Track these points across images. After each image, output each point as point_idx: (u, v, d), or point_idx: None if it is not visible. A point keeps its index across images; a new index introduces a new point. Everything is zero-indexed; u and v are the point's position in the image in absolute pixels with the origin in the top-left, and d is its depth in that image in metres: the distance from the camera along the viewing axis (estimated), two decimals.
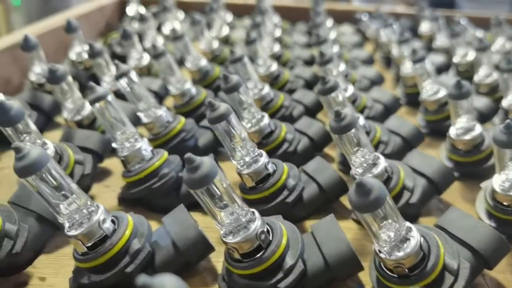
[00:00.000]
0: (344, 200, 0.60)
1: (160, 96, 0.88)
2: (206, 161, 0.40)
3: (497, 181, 0.53)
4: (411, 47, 0.97)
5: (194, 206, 0.57)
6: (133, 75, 0.66)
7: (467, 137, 0.65)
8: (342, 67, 0.89)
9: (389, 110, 0.81)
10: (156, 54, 0.76)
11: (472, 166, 0.66)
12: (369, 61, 1.05)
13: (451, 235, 0.46)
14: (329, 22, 1.25)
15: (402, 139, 0.69)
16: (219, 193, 0.42)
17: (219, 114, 0.51)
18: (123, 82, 0.66)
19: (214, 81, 0.92)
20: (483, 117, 0.80)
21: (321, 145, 0.71)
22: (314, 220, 0.58)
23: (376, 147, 0.66)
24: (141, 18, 1.00)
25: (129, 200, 0.60)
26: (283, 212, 0.55)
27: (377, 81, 0.93)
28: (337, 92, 0.62)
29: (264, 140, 0.67)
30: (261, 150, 0.56)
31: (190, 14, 1.25)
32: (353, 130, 0.50)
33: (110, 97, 0.56)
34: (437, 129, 0.78)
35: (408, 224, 0.42)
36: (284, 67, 1.01)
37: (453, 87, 0.61)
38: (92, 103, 0.55)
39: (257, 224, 0.43)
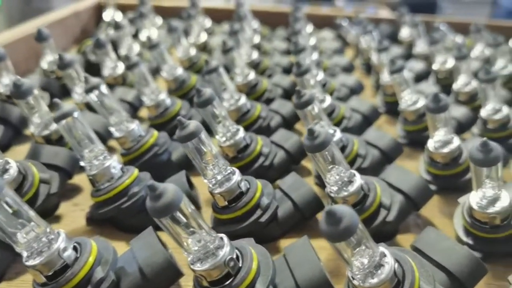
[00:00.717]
0: (320, 217, 0.59)
1: (134, 107, 0.86)
2: (170, 189, 0.38)
3: (474, 198, 0.52)
4: (390, 55, 0.97)
5: None
6: (104, 88, 0.64)
7: (445, 150, 0.64)
8: (321, 75, 0.87)
9: (368, 120, 0.80)
10: (130, 65, 0.74)
11: (450, 179, 0.65)
12: (349, 68, 1.04)
13: (427, 257, 0.45)
14: (309, 28, 1.23)
15: (380, 152, 0.68)
16: (184, 220, 0.40)
17: (189, 132, 0.49)
18: (93, 96, 0.63)
19: (190, 90, 0.90)
20: (462, 127, 0.80)
21: (298, 158, 0.70)
22: (289, 238, 0.57)
23: (353, 161, 0.64)
24: (116, 26, 0.98)
25: (98, 220, 0.57)
26: (256, 232, 0.54)
27: (356, 90, 0.92)
28: (313, 105, 0.60)
29: (239, 154, 0.65)
30: (233, 168, 0.54)
31: (167, 21, 1.23)
32: (327, 148, 0.49)
33: (77, 114, 0.54)
34: (416, 139, 0.77)
35: (382, 249, 0.40)
36: (262, 75, 1.00)
37: (431, 100, 0.59)
38: (57, 120, 0.53)
39: (226, 250, 0.42)
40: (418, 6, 4.67)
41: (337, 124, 0.75)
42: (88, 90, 0.63)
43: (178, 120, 0.50)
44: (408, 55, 1.15)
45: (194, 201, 0.58)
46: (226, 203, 0.54)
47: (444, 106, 0.59)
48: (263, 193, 0.55)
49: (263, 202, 0.54)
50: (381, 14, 2.32)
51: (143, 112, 0.86)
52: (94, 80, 0.63)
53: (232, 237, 0.51)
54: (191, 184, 0.63)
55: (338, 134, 0.64)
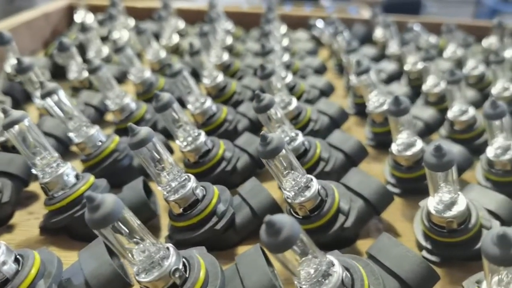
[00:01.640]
0: None
1: (100, 111, 0.84)
2: (109, 200, 0.36)
3: (431, 203, 0.52)
4: (363, 56, 0.96)
5: None
6: (61, 94, 0.62)
7: (408, 153, 0.63)
8: (289, 77, 0.86)
9: (335, 122, 0.79)
10: (91, 69, 0.73)
11: (413, 182, 0.64)
12: (321, 70, 1.03)
13: (380, 264, 0.45)
14: (283, 29, 1.23)
15: (344, 155, 0.67)
16: (126, 231, 0.39)
17: (139, 139, 0.48)
18: (49, 101, 0.62)
19: None
20: (429, 128, 0.80)
21: (263, 162, 0.69)
22: (249, 245, 0.56)
23: (316, 164, 0.63)
24: (83, 28, 0.96)
25: (52, 229, 0.56)
26: (213, 239, 0.53)
27: (326, 91, 0.91)
28: (274, 109, 0.59)
29: (201, 159, 0.64)
30: (189, 174, 0.53)
31: (138, 22, 1.22)
32: (280, 154, 0.48)
33: (27, 121, 0.53)
34: (384, 141, 0.77)
35: (330, 258, 0.40)
36: (233, 77, 0.99)
37: (391, 103, 0.59)
38: (6, 128, 0.52)
39: (172, 260, 0.41)
40: (402, 5, 4.71)
41: (304, 127, 0.74)
42: (44, 96, 0.61)
43: (129, 127, 0.49)
44: (382, 56, 1.15)
45: (150, 208, 0.57)
46: (181, 210, 0.53)
47: (404, 109, 0.59)
48: (219, 199, 0.54)
49: (219, 209, 0.53)
50: (363, 14, 2.33)
51: (110, 116, 0.85)
52: (50, 85, 0.61)
53: (189, 244, 0.51)
54: (149, 191, 0.62)
55: (300, 138, 0.63)
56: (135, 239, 0.40)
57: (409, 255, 0.44)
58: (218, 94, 0.88)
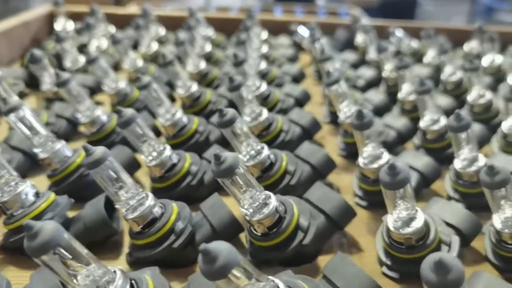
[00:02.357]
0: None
1: (73, 123, 0.84)
2: (48, 227, 0.36)
3: (390, 220, 0.51)
4: (343, 62, 0.96)
5: None
6: (25, 109, 0.62)
7: (374, 165, 0.63)
8: (264, 87, 0.86)
9: (308, 132, 0.79)
10: (59, 83, 0.72)
11: (380, 195, 0.63)
12: (300, 77, 1.02)
13: (333, 285, 0.44)
14: (264, 35, 1.22)
15: (312, 167, 0.66)
16: (69, 257, 0.38)
17: (94, 159, 0.48)
18: (12, 118, 0.62)
19: (132, 104, 0.88)
20: (402, 138, 0.79)
21: None
22: None
23: (281, 178, 0.63)
24: (57, 38, 0.96)
25: (11, 249, 0.56)
26: (172, 256, 0.53)
27: (302, 100, 0.91)
28: (237, 124, 0.59)
29: (166, 173, 0.64)
30: (147, 192, 0.53)
31: (119, 30, 1.22)
32: (236, 172, 0.48)
33: None
34: (355, 152, 0.75)
35: (275, 281, 0.39)
36: (210, 86, 0.98)
37: (354, 117, 0.59)
38: None
39: (117, 284, 0.40)
40: (398, 4, 4.69)
41: (274, 138, 0.74)
42: (7, 112, 0.61)
43: (83, 147, 0.49)
44: (362, 61, 1.15)
45: (110, 226, 0.56)
46: (140, 228, 0.52)
47: (367, 123, 0.58)
48: (178, 217, 0.54)
49: (177, 227, 0.53)
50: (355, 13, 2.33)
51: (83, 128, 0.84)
52: (13, 100, 0.61)
53: (148, 262, 0.51)
54: (112, 207, 0.61)
55: (266, 152, 0.63)
56: (79, 265, 0.39)
57: (360, 275, 0.44)
58: (193, 103, 0.88)
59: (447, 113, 0.89)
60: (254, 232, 0.53)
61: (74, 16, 1.24)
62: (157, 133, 0.80)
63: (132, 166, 0.71)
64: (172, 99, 0.95)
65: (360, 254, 0.57)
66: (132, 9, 2.18)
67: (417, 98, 0.74)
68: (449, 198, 0.67)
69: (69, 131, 0.83)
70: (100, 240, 0.57)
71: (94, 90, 0.96)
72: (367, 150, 0.63)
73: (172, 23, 1.26)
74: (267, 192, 0.52)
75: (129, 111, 0.60)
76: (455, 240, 0.52)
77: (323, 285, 0.45)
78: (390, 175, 0.46)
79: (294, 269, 0.52)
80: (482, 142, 0.79)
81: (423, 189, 0.69)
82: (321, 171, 0.67)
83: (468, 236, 0.55)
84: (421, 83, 0.71)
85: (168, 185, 0.64)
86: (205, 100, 0.88)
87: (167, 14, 1.30)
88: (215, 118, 0.81)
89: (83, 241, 0.55)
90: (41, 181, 0.67)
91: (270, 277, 0.40)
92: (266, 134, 0.74)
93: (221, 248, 0.34)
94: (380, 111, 0.88)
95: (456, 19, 5.02)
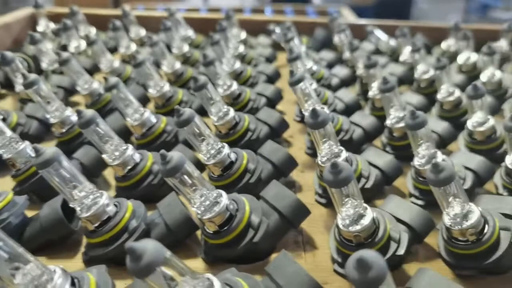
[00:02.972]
0: (190, 241, 0.58)
1: (45, 124, 0.84)
2: None
3: (339, 218, 0.52)
4: (304, 64, 0.97)
5: (38, 250, 0.55)
6: None
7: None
8: (234, 86, 0.87)
9: (275, 131, 0.79)
10: (26, 84, 0.73)
11: None
12: (275, 76, 1.03)
13: (275, 283, 0.45)
14: (243, 34, 1.23)
15: (273, 166, 0.67)
16: (6, 257, 0.39)
17: (44, 160, 0.49)
18: None
19: (107, 104, 0.89)
20: (369, 136, 0.80)
21: None
22: None
23: (241, 176, 0.64)
24: (32, 40, 0.97)
25: None
26: (125, 255, 0.53)
27: (274, 99, 0.91)
28: (195, 122, 0.60)
29: (128, 173, 0.65)
30: (102, 191, 0.54)
31: (97, 32, 1.22)
32: (183, 171, 0.49)
33: None
34: None
35: (211, 278, 0.40)
36: (184, 86, 0.99)
37: (309, 116, 0.59)
38: None
39: (56, 283, 0.41)
40: (394, 2, 4.69)
41: (240, 137, 0.75)
42: None
43: (33, 147, 0.50)
44: (340, 60, 1.15)
45: (67, 225, 0.57)
46: (94, 227, 0.53)
47: (321, 122, 0.59)
48: (133, 216, 0.55)
49: (131, 225, 0.54)
50: (346, 16, 2.33)
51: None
52: None
53: (102, 260, 0.51)
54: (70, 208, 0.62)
55: (226, 150, 0.63)
56: (16, 264, 0.40)
57: (300, 273, 0.45)
58: (165, 103, 0.89)
59: (420, 110, 0.90)
60: (207, 230, 0.54)
61: (57, 17, 1.25)
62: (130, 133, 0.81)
63: (98, 166, 0.72)
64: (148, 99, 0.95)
65: (315, 251, 0.57)
66: (113, 10, 2.19)
67: (382, 96, 0.74)
68: (410, 195, 0.68)
69: (41, 131, 0.84)
70: (57, 239, 0.57)
71: (71, 91, 0.97)
72: (324, 148, 0.63)
73: (151, 24, 1.26)
74: (218, 190, 0.53)
75: (89, 112, 0.60)
76: (404, 237, 0.53)
77: (266, 282, 0.46)
78: (333, 173, 0.47)
79: (247, 266, 0.54)
80: (449, 140, 0.80)
81: (385, 187, 0.69)
82: (283, 169, 0.68)
83: (420, 233, 0.56)
84: (384, 81, 0.72)
85: (130, 184, 0.65)
86: (177, 100, 0.89)
87: (146, 15, 1.31)
88: None
89: (39, 240, 0.57)
90: (7, 182, 0.69)
91: (207, 275, 0.40)
92: (233, 133, 0.75)
93: (147, 246, 0.34)
94: (351, 109, 0.89)
95: (452, 17, 5.01)
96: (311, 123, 0.59)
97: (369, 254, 0.34)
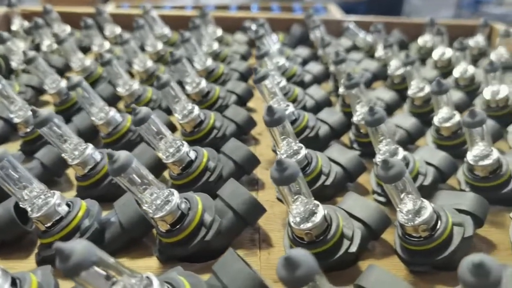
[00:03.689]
0: (147, 239, 0.58)
1: (11, 124, 0.84)
2: None
3: (290, 216, 0.52)
4: (274, 61, 0.96)
5: None
6: None
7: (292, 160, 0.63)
8: (203, 83, 0.86)
9: (242, 129, 0.79)
10: None
11: None
12: (248, 74, 1.02)
13: (220, 281, 0.45)
14: (219, 32, 1.23)
15: (235, 164, 0.67)
16: None
17: None
18: None
19: (75, 103, 0.88)
20: (336, 133, 0.80)
21: (154, 175, 0.69)
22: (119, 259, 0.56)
23: (202, 174, 0.64)
24: (0, 40, 0.96)
25: None
26: None
27: (245, 96, 0.91)
28: (150, 122, 0.59)
29: (89, 172, 0.65)
30: (54, 191, 0.54)
31: (72, 31, 1.21)
32: (130, 170, 0.48)
33: None
34: None
35: (150, 277, 0.40)
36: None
37: (265, 113, 0.59)
38: None
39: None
40: None
41: (206, 135, 0.75)
42: None
43: None
44: (315, 57, 1.15)
45: (19, 226, 0.57)
46: (45, 227, 0.53)
47: (277, 119, 0.58)
48: (86, 215, 0.54)
49: (83, 225, 0.53)
50: (333, 13, 2.33)
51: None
52: None
53: (53, 261, 0.51)
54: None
55: (185, 149, 0.63)
56: None
57: (244, 272, 0.44)
58: (135, 102, 0.88)
59: (391, 106, 0.90)
60: (160, 229, 0.53)
61: (32, 16, 1.23)
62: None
63: (60, 166, 0.71)
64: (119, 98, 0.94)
65: (270, 249, 0.57)
66: (109, 7, 2.18)
67: (347, 93, 0.74)
68: (373, 192, 0.68)
69: (7, 131, 0.83)
70: (11, 239, 0.57)
71: (40, 90, 0.96)
72: (283, 146, 0.63)
73: (126, 22, 1.25)
74: (170, 189, 0.53)
75: (44, 112, 0.60)
76: (357, 234, 0.52)
77: (213, 281, 0.45)
78: (278, 171, 0.46)
79: (201, 265, 0.53)
80: (417, 135, 0.80)
81: (349, 184, 0.69)
82: (245, 167, 0.67)
83: (376, 230, 0.55)
84: (349, 77, 0.71)
85: (90, 183, 0.65)
86: (146, 98, 0.89)
87: (121, 12, 1.30)
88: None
89: None
90: None
91: (147, 274, 0.40)
92: (197, 131, 0.75)
93: (75, 246, 0.34)
94: (322, 106, 0.88)
95: (444, 13, 5.02)
96: (267, 121, 0.59)
97: (297, 252, 0.34)
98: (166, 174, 0.72)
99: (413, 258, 0.53)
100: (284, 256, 0.33)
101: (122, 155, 0.48)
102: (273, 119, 0.58)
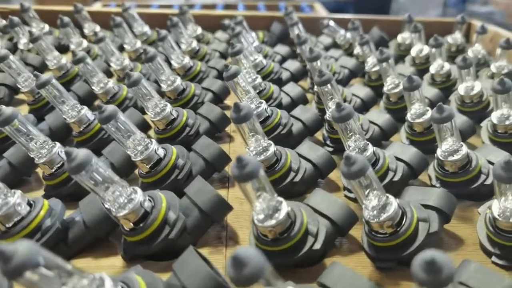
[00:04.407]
0: (113, 238, 0.58)
1: None
2: None
3: (253, 213, 0.51)
4: (255, 58, 0.96)
5: None
6: None
7: (262, 157, 0.63)
8: (178, 81, 0.86)
9: (215, 127, 0.79)
10: None
11: None
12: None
13: (179, 280, 0.44)
14: (199, 30, 1.22)
15: (205, 162, 0.66)
16: None
17: None
18: None
19: (48, 103, 0.88)
20: (309, 129, 0.79)
21: (125, 173, 0.69)
22: (82, 258, 0.55)
23: (171, 172, 0.63)
24: None
25: None
26: None
27: (221, 94, 0.91)
28: (117, 121, 0.59)
29: (55, 171, 0.64)
30: (16, 190, 0.53)
31: (51, 29, 1.21)
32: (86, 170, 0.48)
33: None
34: None
35: (103, 277, 0.39)
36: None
37: (232, 111, 0.58)
38: None
39: None
40: None
41: (178, 132, 0.74)
42: None
43: None
44: (294, 54, 1.15)
45: None
46: (6, 227, 0.52)
47: (244, 116, 0.58)
48: (48, 214, 0.54)
49: (44, 224, 0.53)
50: (318, 11, 2.33)
51: None
52: None
53: None
54: None
55: (153, 146, 0.62)
56: None
57: (202, 270, 0.44)
58: (110, 100, 0.87)
59: (366, 103, 0.90)
60: (123, 227, 0.53)
61: (11, 14, 1.22)
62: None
63: (29, 165, 0.70)
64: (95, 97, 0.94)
65: (236, 247, 0.57)
66: (96, 6, 2.17)
67: (318, 89, 0.74)
68: (344, 188, 0.68)
69: None
70: None
71: (15, 89, 0.95)
72: (251, 143, 0.62)
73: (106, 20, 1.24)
74: (134, 187, 0.52)
75: (7, 110, 0.59)
76: (322, 231, 0.52)
77: (172, 279, 0.45)
78: (238, 168, 0.46)
79: (166, 263, 0.53)
80: (390, 132, 0.80)
81: (320, 180, 0.69)
82: (215, 165, 0.67)
83: (342, 227, 0.55)
84: (320, 74, 0.71)
85: (58, 182, 0.64)
86: (122, 97, 0.88)
87: (100, 10, 1.29)
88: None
89: None
90: None
91: (99, 274, 0.40)
92: (170, 129, 0.74)
93: (18, 248, 0.33)
94: (298, 103, 0.88)
95: (431, 12, 5.04)
96: (234, 118, 0.58)
97: (245, 251, 0.33)
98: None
99: (379, 255, 0.53)
100: (232, 255, 0.33)
101: (80, 153, 0.47)
102: (240, 116, 0.58)
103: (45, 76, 0.71)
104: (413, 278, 0.31)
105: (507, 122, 0.74)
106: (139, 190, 0.52)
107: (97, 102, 0.93)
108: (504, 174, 0.47)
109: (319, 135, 0.83)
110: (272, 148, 0.63)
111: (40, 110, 0.87)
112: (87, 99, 0.92)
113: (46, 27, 1.20)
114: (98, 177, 0.49)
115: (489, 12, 4.80)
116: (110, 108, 0.58)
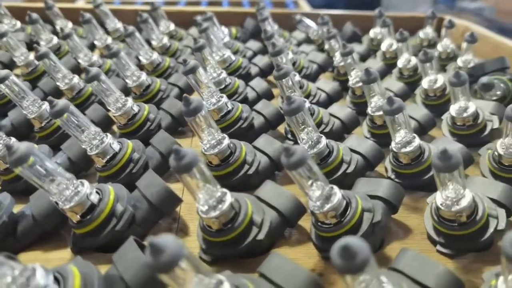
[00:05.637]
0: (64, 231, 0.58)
1: None
2: None
3: (198, 205, 0.52)
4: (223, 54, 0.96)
5: None
6: None
7: (215, 150, 0.63)
8: (143, 77, 0.86)
9: (177, 121, 0.79)
10: None
11: (224, 179, 0.65)
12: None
13: (116, 270, 0.45)
14: (171, 26, 1.22)
15: (161, 155, 0.67)
16: None
17: None
18: None
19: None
20: (270, 124, 0.80)
21: (84, 167, 0.69)
22: (30, 251, 0.56)
23: (125, 166, 0.64)
24: None
25: None
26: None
27: (187, 89, 0.91)
28: (70, 114, 0.59)
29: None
30: None
31: (22, 26, 1.20)
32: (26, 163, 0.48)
33: None
34: None
35: (36, 268, 0.40)
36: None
37: (182, 105, 0.59)
38: None
39: None
40: None
41: (139, 127, 0.75)
42: None
43: None
44: (266, 50, 1.15)
45: None
46: None
47: (193, 109, 0.58)
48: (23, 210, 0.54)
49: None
50: (302, 6, 2.33)
51: None
52: None
53: None
54: None
55: (108, 140, 0.63)
56: None
57: (140, 260, 0.45)
58: (75, 96, 0.88)
59: (332, 97, 0.91)
60: (71, 220, 0.53)
61: None
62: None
63: None
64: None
65: (186, 238, 0.57)
66: (79, 3, 2.16)
67: (276, 83, 0.74)
68: None
69: None
70: None
71: None
72: (205, 136, 0.63)
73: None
74: (81, 180, 0.53)
75: None
76: (266, 222, 0.53)
77: (113, 270, 0.46)
78: (175, 159, 0.46)
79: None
80: (351, 125, 0.80)
81: (277, 173, 0.70)
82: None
83: (290, 218, 0.56)
84: (278, 68, 0.72)
85: (12, 177, 0.65)
86: (87, 92, 0.88)
87: (71, 7, 1.29)
88: (89, 112, 0.81)
89: None
90: None
91: (32, 265, 0.40)
92: (131, 124, 0.75)
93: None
94: (263, 98, 0.88)
95: (421, 8, 5.05)
96: (183, 111, 0.59)
97: (163, 239, 0.33)
98: None
99: (324, 245, 0.53)
100: (149, 243, 0.33)
101: (21, 146, 0.47)
102: (189, 110, 0.58)
103: (4, 71, 0.71)
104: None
105: (464, 115, 0.75)
106: (86, 183, 0.52)
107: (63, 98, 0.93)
108: (441, 164, 0.48)
109: (281, 128, 0.83)
110: (226, 141, 0.64)
111: (5, 106, 0.87)
112: (54, 96, 0.91)
113: (18, 24, 1.20)
114: (41, 169, 0.49)
115: (478, 8, 4.81)
116: (62, 102, 0.59)
